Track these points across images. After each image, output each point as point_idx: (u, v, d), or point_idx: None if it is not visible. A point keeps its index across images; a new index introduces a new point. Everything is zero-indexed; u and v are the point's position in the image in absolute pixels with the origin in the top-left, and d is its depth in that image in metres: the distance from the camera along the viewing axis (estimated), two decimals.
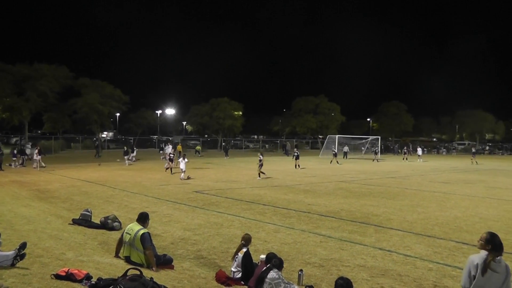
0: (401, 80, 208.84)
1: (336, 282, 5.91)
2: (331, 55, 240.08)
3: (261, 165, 26.53)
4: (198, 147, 58.22)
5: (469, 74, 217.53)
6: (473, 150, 56.01)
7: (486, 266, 4.79)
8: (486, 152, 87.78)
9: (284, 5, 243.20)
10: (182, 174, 25.15)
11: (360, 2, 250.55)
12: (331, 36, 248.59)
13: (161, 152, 46.44)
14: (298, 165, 35.47)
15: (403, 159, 52.11)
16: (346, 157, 54.64)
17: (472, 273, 4.87)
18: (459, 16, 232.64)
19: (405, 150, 54.34)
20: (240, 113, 76.24)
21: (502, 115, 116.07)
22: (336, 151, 46.79)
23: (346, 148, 56.60)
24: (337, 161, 42.73)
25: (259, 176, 26.04)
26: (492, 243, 4.93)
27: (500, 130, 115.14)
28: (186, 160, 25.63)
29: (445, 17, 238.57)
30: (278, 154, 64.55)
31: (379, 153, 52.01)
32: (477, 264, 4.86)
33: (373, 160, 49.08)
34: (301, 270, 7.85)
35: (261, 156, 26.92)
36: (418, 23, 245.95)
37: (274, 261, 7.11)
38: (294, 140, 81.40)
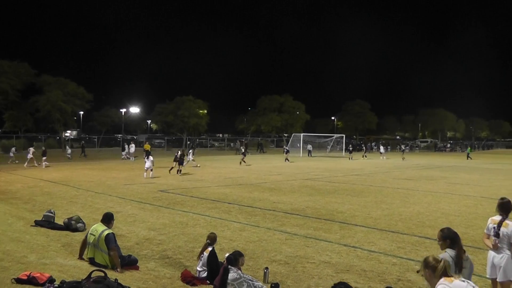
0: (364, 79, 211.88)
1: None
2: (296, 54, 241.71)
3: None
4: (147, 146, 53.53)
5: (430, 75, 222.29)
6: (403, 147, 58.64)
7: (461, 264, 4.87)
8: (447, 149, 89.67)
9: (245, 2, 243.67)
10: (145, 173, 24.96)
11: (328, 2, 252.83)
12: (298, 36, 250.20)
13: (123, 152, 45.32)
14: (244, 161, 36.64)
15: (363, 156, 52.82)
16: (311, 155, 55.09)
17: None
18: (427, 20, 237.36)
19: (374, 146, 55.20)
20: (205, 111, 75.93)
21: (462, 114, 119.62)
22: (288, 148, 47.13)
23: (309, 147, 57.12)
24: (287, 159, 42.80)
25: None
26: (450, 237, 5.06)
27: (460, 128, 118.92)
28: (151, 158, 25.39)
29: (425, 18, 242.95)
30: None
31: (351, 150, 52.36)
32: (449, 265, 4.84)
33: (363, 157, 50.05)
34: (266, 268, 7.89)
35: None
36: (390, 23, 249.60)
37: (228, 257, 7.11)
38: (244, 139, 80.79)
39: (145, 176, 24.78)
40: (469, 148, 63.62)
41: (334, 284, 5.63)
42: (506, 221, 6.43)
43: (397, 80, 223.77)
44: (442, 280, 4.19)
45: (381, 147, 55.64)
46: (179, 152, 29.15)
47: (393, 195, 19.35)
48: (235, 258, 7.11)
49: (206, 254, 7.90)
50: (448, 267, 4.28)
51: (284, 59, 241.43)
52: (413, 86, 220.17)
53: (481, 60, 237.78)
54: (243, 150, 39.68)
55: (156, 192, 18.83)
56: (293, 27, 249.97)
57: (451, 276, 4.23)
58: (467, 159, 53.06)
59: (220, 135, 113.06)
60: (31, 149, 32.88)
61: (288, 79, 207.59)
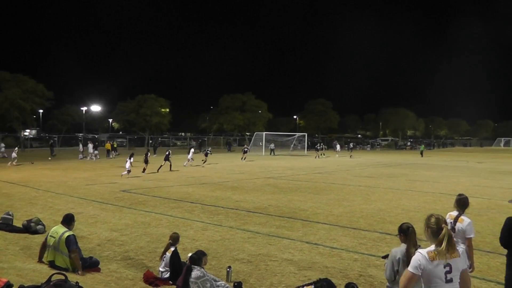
0: (326, 78, 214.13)
1: None
2: (258, 53, 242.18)
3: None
4: (108, 145, 53.26)
5: (391, 74, 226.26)
6: (351, 145, 60.73)
7: (409, 259, 5.01)
8: (408, 147, 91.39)
9: None
10: (126, 172, 24.63)
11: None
12: (259, 36, 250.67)
13: (81, 150, 43.48)
14: (204, 161, 35.38)
15: (321, 154, 53.35)
16: (274, 153, 55.37)
17: (395, 267, 5.15)
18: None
19: (327, 146, 55.92)
20: (167, 110, 75.40)
21: (422, 113, 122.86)
22: (248, 148, 47.39)
23: (272, 145, 57.56)
24: (243, 158, 42.64)
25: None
26: (403, 231, 5.30)
27: (420, 126, 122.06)
28: (131, 159, 25.43)
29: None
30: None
31: (318, 149, 52.68)
32: (399, 258, 5.14)
33: (321, 155, 50.99)
34: (229, 267, 7.90)
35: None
36: (351, 24, 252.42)
37: (191, 256, 7.09)
38: (202, 139, 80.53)
39: (122, 174, 24.77)
40: (422, 146, 65.59)
41: (316, 280, 5.75)
42: (462, 217, 6.65)
43: (358, 79, 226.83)
44: (427, 252, 4.04)
45: (338, 145, 57.45)
46: (169, 151, 31.13)
47: (355, 192, 19.62)
48: (199, 258, 7.10)
49: (168, 254, 7.86)
50: (446, 237, 4.01)
51: (247, 58, 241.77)
52: (374, 85, 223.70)
53: (439, 62, 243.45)
54: (209, 150, 39.25)
55: (118, 192, 18.62)
56: (255, 26, 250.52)
57: (438, 253, 4.02)
58: (421, 156, 54.72)
59: (183, 134, 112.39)
60: (16, 149, 34.70)
61: (251, 77, 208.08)
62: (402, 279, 4.15)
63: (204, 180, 23.67)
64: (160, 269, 7.92)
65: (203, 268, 7.02)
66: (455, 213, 6.79)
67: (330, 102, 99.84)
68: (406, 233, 5.20)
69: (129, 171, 24.57)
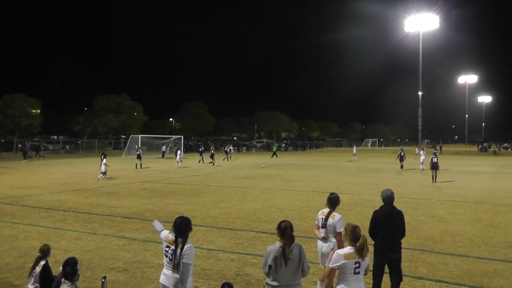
0: (201, 81, 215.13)
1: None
2: (131, 53, 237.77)
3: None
4: None
5: (266, 78, 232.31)
6: (231, 149, 62.44)
7: (282, 257, 5.32)
8: (282, 149, 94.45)
9: None
10: (101, 174, 26.10)
11: None
12: (130, 35, 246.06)
13: None
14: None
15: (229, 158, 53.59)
16: (164, 156, 55.46)
17: (269, 263, 5.39)
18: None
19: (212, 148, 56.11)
20: (38, 111, 71.50)
21: (296, 116, 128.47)
22: (140, 152, 46.70)
23: (163, 148, 57.80)
24: (139, 165, 41.59)
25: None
26: (279, 228, 5.55)
27: (294, 129, 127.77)
28: (104, 160, 26.63)
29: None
30: (80, 155, 62.08)
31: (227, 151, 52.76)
32: (273, 255, 5.38)
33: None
34: (104, 277, 7.63)
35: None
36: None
37: (65, 270, 6.80)
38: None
39: (98, 178, 26.08)
40: (274, 146, 67.44)
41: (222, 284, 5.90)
42: (333, 213, 7.17)
43: (234, 83, 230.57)
44: (344, 254, 5.46)
45: (231, 147, 57.93)
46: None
47: (231, 193, 19.93)
48: (74, 273, 6.78)
49: (38, 269, 7.42)
50: (362, 242, 5.53)
51: (120, 58, 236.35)
52: (249, 88, 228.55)
53: (312, 67, 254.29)
54: (212, 150, 42.14)
55: None
56: (127, 27, 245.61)
57: (352, 253, 5.47)
58: (272, 157, 57.35)
59: (55, 137, 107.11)
60: None
61: (125, 78, 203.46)
62: (325, 274, 5.66)
63: (77, 186, 22.78)
64: (29, 286, 7.46)
65: (75, 284, 6.73)
66: (327, 210, 7.32)
67: (206, 105, 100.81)
68: (283, 232, 5.47)
69: (104, 173, 26.10)
